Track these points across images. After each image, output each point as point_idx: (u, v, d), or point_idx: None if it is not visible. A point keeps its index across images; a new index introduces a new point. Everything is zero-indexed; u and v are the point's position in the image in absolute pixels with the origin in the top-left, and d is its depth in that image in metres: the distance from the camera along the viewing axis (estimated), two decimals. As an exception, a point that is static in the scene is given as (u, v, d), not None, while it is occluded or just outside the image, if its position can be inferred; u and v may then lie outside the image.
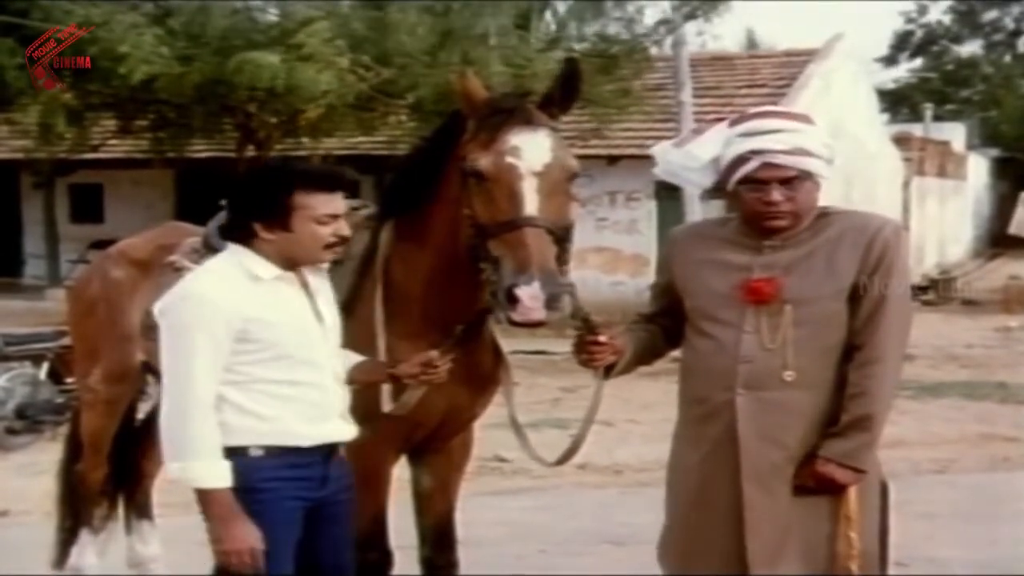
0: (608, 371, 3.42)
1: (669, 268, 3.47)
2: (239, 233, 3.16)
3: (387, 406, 3.44)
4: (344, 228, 3.20)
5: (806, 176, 3.19)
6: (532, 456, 3.77)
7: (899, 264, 3.21)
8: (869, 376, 3.15)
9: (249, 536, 3.04)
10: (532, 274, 3.12)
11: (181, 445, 3.05)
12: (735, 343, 3.20)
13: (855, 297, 3.18)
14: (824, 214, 3.28)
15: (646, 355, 3.52)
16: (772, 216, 3.21)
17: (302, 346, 3.14)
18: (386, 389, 3.50)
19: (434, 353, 3.31)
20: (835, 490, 3.17)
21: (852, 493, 3.17)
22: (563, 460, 3.73)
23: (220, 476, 3.04)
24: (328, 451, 3.24)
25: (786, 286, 3.19)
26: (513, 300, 3.13)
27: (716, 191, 3.40)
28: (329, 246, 3.17)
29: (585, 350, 3.35)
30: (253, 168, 3.53)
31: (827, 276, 3.19)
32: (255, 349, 3.07)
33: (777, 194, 3.18)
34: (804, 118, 3.34)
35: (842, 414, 3.15)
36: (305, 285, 3.22)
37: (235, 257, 3.15)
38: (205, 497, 3.06)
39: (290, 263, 3.17)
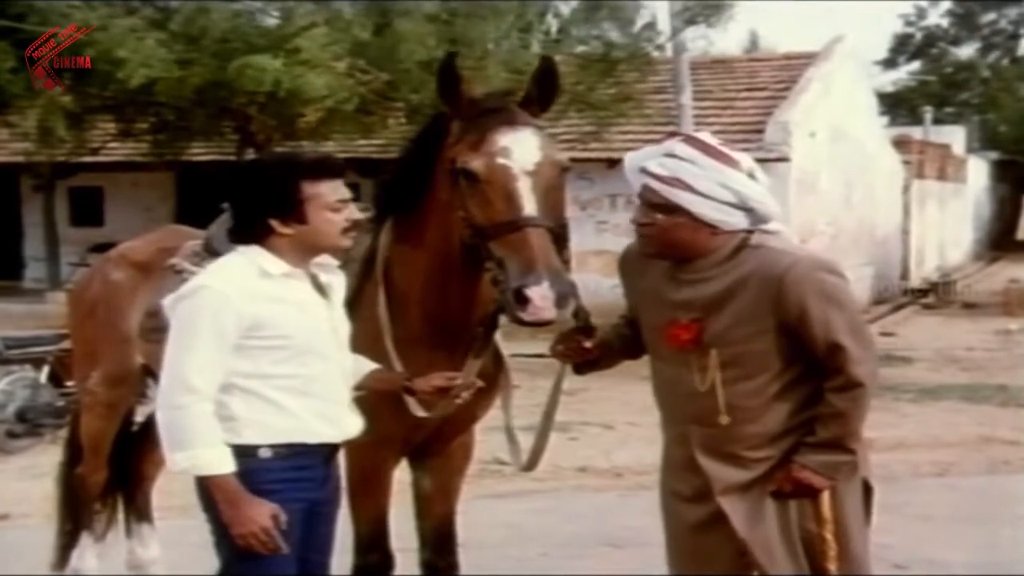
0: (577, 369, 3.46)
1: (624, 288, 3.46)
2: (251, 233, 3.15)
3: (419, 412, 3.45)
4: (355, 212, 3.23)
5: (676, 208, 3.08)
6: (513, 462, 3.83)
7: (827, 301, 3.04)
8: (847, 399, 3.09)
9: (260, 516, 3.03)
10: (540, 274, 3.12)
11: (181, 434, 3.04)
12: (677, 380, 3.21)
13: (789, 333, 3.06)
14: (742, 247, 3.12)
15: (614, 356, 3.53)
16: (638, 235, 3.20)
17: (312, 341, 3.15)
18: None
19: (457, 380, 3.35)
20: (812, 494, 3.16)
21: (826, 494, 3.16)
22: (530, 464, 3.81)
23: (223, 462, 3.03)
24: (331, 450, 3.26)
25: (706, 330, 3.11)
26: (523, 300, 3.13)
27: None
28: (344, 231, 3.20)
29: (568, 345, 3.38)
30: (253, 165, 3.49)
31: (745, 319, 3.08)
32: (265, 344, 3.08)
33: (640, 214, 3.16)
34: (721, 156, 3.11)
35: (818, 427, 3.11)
36: (315, 281, 3.23)
37: (246, 255, 3.16)
38: (210, 484, 3.05)
39: (310, 254, 3.19)
